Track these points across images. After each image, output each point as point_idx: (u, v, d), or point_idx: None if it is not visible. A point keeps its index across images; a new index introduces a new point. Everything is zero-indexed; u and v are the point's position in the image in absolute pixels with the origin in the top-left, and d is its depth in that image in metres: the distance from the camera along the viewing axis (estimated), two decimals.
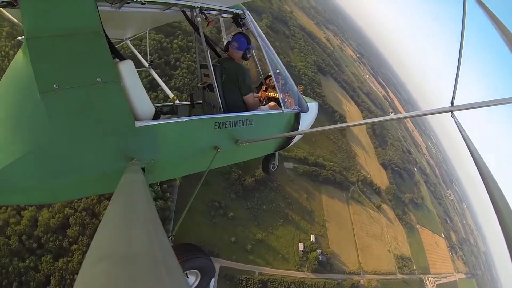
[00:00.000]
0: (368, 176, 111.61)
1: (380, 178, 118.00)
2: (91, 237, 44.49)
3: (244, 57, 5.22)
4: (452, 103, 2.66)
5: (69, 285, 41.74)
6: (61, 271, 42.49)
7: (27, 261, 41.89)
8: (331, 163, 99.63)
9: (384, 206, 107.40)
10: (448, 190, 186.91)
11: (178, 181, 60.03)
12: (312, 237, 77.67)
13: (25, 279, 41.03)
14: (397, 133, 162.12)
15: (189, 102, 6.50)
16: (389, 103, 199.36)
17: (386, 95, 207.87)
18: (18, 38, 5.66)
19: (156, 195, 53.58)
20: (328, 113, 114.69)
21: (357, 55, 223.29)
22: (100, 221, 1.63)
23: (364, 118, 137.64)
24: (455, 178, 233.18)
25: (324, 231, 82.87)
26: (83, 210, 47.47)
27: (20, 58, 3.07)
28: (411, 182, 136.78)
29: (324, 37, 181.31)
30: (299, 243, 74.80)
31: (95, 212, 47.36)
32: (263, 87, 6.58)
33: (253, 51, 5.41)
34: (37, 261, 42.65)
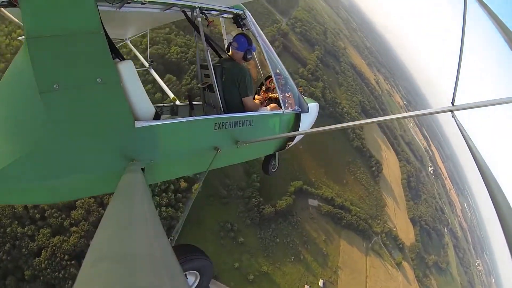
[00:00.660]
0: (394, 229, 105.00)
1: (407, 233, 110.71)
2: (92, 224, 45.86)
3: (245, 58, 5.16)
4: (452, 102, 2.72)
5: (57, 263, 42.61)
6: (54, 248, 43.37)
7: (26, 228, 43.17)
8: (358, 209, 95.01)
9: (405, 264, 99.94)
10: (477, 259, 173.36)
11: (194, 194, 59.44)
12: (321, 282, 73.19)
13: (19, 244, 42.12)
14: (433, 189, 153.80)
15: (189, 102, 6.49)
16: (430, 156, 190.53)
17: (427, 147, 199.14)
18: (18, 38, 5.61)
19: (168, 202, 53.51)
20: (364, 157, 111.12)
21: (405, 102, 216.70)
22: (105, 212, 1.39)
23: (401, 168, 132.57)
24: (488, 247, 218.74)
25: (335, 278, 78.12)
26: (92, 197, 46.87)
27: (20, 58, 3.04)
28: (439, 244, 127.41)
29: (374, 79, 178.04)
30: (305, 286, 70.42)
31: (103, 202, 47.29)
32: (264, 88, 6.53)
33: (254, 52, 5.38)
34: (35, 231, 43.79)
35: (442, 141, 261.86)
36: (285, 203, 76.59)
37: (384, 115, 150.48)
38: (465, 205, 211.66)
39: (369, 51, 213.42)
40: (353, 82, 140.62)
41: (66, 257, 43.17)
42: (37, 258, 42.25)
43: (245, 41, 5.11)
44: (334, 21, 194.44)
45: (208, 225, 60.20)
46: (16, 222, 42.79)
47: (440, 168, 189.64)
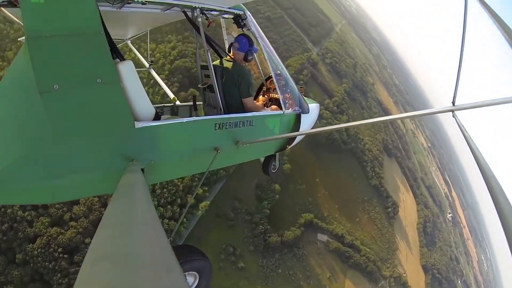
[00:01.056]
0: (404, 275, 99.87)
1: (417, 281, 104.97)
2: (91, 223, 46.47)
3: (246, 59, 5.17)
4: (453, 102, 2.75)
5: (50, 253, 43.18)
6: (49, 238, 43.83)
7: (26, 213, 44.11)
8: (368, 249, 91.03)
9: None
10: None
11: (200, 212, 59.19)
12: None
13: (16, 227, 42.98)
14: (450, 237, 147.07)
15: (190, 103, 6.71)
16: (450, 202, 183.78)
17: (448, 193, 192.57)
18: (19, 39, 5.54)
19: (171, 215, 53.64)
20: (381, 197, 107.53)
21: (429, 144, 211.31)
22: (105, 212, 1.50)
23: (418, 212, 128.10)
24: None
25: None
26: (96, 196, 47.88)
27: (20, 58, 3.06)
28: None
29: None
30: None
31: (106, 203, 48.35)
32: (264, 88, 6.54)
33: (255, 53, 5.33)
34: (35, 218, 44.59)
35: (464, 188, 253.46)
36: (293, 234, 74.60)
37: (407, 156, 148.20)
38: (482, 257, 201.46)
39: (397, 89, 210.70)
40: None
41: (59, 249, 43.50)
42: (31, 245, 42.78)
43: (246, 42, 5.12)
44: (365, 55, 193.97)
45: (210, 244, 59.07)
46: (18, 206, 42.52)
47: (459, 216, 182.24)
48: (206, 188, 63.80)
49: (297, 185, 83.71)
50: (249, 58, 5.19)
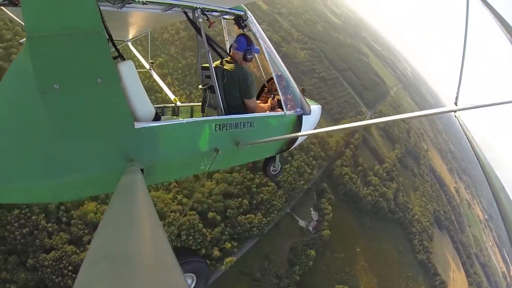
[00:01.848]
0: None
1: None
2: None
3: (245, 59, 5.14)
4: (455, 103, 2.79)
5: (60, 268, 43.06)
6: (63, 253, 43.96)
7: (49, 224, 44.87)
8: None
9: None
10: None
11: (224, 267, 57.53)
12: None
13: (36, 234, 43.50)
14: None
15: (191, 104, 7.07)
16: (508, 284, 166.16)
17: (506, 273, 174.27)
18: (20, 41, 5.57)
19: None
20: (427, 274, 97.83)
21: (486, 216, 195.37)
22: (104, 212, 1.72)
23: None
24: None
25: None
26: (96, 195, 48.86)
27: (21, 57, 3.05)
28: None
29: (454, 187, 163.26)
30: None
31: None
32: (265, 89, 6.51)
33: (255, 53, 5.27)
34: (55, 231, 45.01)
35: None
36: None
37: (460, 229, 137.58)
38: None
39: (453, 155, 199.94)
40: (431, 188, 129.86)
41: (70, 267, 43.58)
42: (45, 254, 43.12)
43: (244, 41, 5.09)
44: (420, 120, 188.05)
45: None
46: (44, 215, 44.72)
47: None
48: (235, 244, 62.13)
49: (335, 253, 78.79)
50: (248, 57, 5.14)
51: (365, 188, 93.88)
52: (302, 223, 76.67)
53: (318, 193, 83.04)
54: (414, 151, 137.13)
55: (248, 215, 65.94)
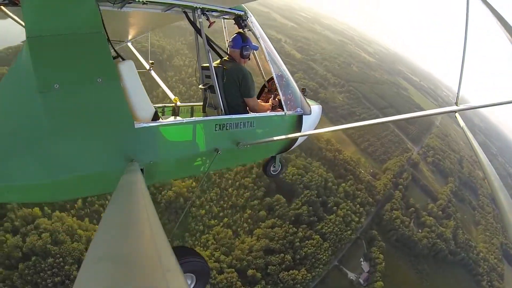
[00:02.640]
0: None
1: None
2: None
3: (242, 55, 5.07)
4: (456, 103, 2.77)
5: None
6: None
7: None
8: None
9: None
10: None
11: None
12: None
13: (67, 284, 43.58)
14: None
15: (191, 104, 6.92)
16: None
17: None
18: (21, 42, 5.05)
19: None
20: None
21: None
22: (104, 212, 1.76)
23: None
24: None
25: None
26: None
27: (21, 57, 3.01)
28: None
29: None
30: None
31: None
32: (266, 90, 6.37)
33: (253, 51, 5.26)
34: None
35: None
36: None
37: None
38: None
39: None
40: (494, 220, 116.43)
41: None
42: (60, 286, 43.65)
43: (239, 39, 5.06)
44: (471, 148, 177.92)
45: None
46: (76, 266, 44.95)
47: None
48: None
49: None
50: (245, 53, 5.08)
51: (419, 231, 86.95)
52: (351, 275, 70.65)
53: (367, 241, 76.88)
54: (469, 181, 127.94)
55: (291, 271, 63.05)
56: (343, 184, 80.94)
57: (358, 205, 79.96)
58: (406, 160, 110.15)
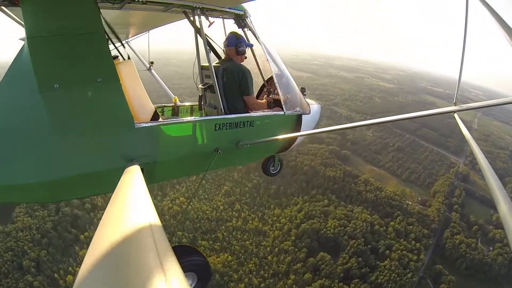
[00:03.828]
0: None
1: None
2: None
3: (237, 52, 5.03)
4: (455, 103, 2.77)
5: None
6: None
7: None
8: None
9: None
10: None
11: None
12: None
13: None
14: None
15: (191, 103, 6.66)
16: None
17: None
18: (19, 38, 5.38)
19: None
20: None
21: None
22: (104, 212, 1.74)
23: None
24: None
25: None
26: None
27: (20, 57, 2.97)
28: None
29: None
30: None
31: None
32: (265, 89, 6.41)
33: (249, 48, 5.23)
34: None
35: None
36: None
37: None
38: None
39: None
40: None
41: None
42: None
43: (233, 37, 5.03)
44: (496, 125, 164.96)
45: None
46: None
47: None
48: None
49: None
50: (240, 49, 5.03)
51: (490, 249, 75.79)
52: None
53: (433, 279, 65.39)
54: None
55: None
56: (392, 223, 74.84)
57: (413, 242, 71.50)
58: (454, 176, 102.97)
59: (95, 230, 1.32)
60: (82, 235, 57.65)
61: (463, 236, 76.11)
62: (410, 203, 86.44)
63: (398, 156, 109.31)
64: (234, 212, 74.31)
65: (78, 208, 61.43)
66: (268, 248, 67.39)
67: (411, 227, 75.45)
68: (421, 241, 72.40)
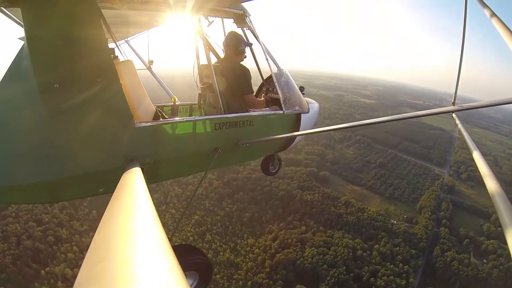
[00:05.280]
0: None
1: None
2: None
3: (236, 51, 5.04)
4: (453, 103, 2.78)
5: None
6: None
7: None
8: None
9: None
10: None
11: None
12: None
13: None
14: None
15: (190, 103, 6.78)
16: None
17: None
18: (18, 38, 5.31)
19: None
20: None
21: None
22: (104, 212, 1.73)
23: None
24: None
25: None
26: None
27: (20, 57, 3.04)
28: None
29: None
30: None
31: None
32: (264, 88, 6.37)
33: (248, 47, 5.23)
34: None
35: None
36: None
37: None
38: None
39: None
40: None
41: None
42: None
43: (232, 36, 5.01)
44: (499, 141, 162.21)
45: None
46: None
47: None
48: None
49: None
50: (239, 49, 4.98)
51: (484, 262, 70.78)
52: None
53: None
54: None
55: None
56: (376, 246, 68.55)
57: (400, 264, 65.11)
58: (439, 189, 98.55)
59: (57, 265, 1.51)
60: (43, 270, 52.55)
61: (454, 252, 70.77)
62: (395, 222, 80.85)
63: (380, 173, 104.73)
64: (205, 244, 66.78)
65: (40, 241, 56.80)
66: (241, 282, 61.14)
67: (397, 248, 69.56)
68: (409, 263, 66.39)
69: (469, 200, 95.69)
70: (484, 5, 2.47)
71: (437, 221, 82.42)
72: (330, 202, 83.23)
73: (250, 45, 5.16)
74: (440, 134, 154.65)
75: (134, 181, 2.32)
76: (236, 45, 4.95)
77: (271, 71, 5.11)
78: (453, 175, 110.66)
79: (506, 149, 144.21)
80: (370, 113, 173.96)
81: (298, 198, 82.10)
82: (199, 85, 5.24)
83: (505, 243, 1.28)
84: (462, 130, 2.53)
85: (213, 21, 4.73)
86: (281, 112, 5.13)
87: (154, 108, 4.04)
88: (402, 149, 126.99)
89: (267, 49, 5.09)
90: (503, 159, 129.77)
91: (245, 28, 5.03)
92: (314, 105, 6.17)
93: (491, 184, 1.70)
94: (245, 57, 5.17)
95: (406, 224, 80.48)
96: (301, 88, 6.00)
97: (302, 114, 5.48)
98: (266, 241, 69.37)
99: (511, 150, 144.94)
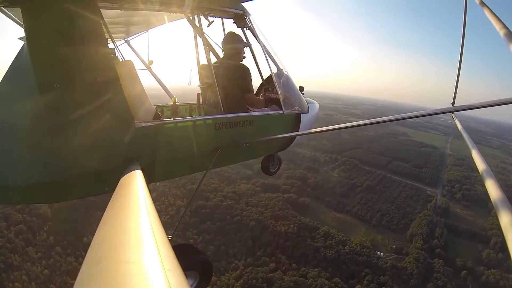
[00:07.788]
0: None
1: None
2: None
3: (235, 51, 5.04)
4: (453, 103, 2.82)
5: None
6: None
7: None
8: None
9: None
10: None
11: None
12: None
13: None
14: None
15: (190, 103, 6.68)
16: None
17: None
18: (18, 38, 5.16)
19: None
20: None
21: None
22: (104, 212, 1.72)
23: None
24: None
25: None
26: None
27: (20, 57, 3.01)
28: None
29: None
30: None
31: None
32: (263, 88, 6.28)
33: (247, 48, 5.18)
34: None
35: None
36: None
37: None
38: None
39: None
40: None
41: None
42: None
43: (231, 36, 5.01)
44: (492, 155, 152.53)
45: None
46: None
47: None
48: None
49: None
50: (238, 49, 4.98)
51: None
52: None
53: None
54: None
55: None
56: (358, 286, 58.73)
57: None
58: (432, 212, 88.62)
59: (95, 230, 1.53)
60: None
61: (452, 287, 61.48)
62: (382, 254, 70.28)
63: (367, 197, 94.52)
64: None
65: None
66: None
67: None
68: None
69: (465, 222, 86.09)
70: (484, 5, 2.44)
71: (430, 251, 72.40)
72: (307, 234, 73.11)
73: (249, 45, 5.08)
74: (432, 151, 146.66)
75: (134, 181, 2.31)
76: (236, 46, 4.92)
77: (271, 71, 5.03)
78: (447, 195, 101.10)
79: (499, 163, 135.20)
80: (360, 132, 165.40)
81: (270, 230, 72.53)
82: (199, 85, 5.27)
83: (505, 242, 1.25)
84: (462, 130, 2.52)
85: (213, 21, 4.60)
86: (281, 112, 5.07)
87: (154, 108, 3.87)
88: (391, 170, 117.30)
89: (266, 49, 4.99)
90: (497, 173, 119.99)
91: (245, 28, 4.94)
92: (314, 105, 6.12)
93: (491, 184, 1.68)
94: (244, 57, 5.09)
95: (395, 256, 70.27)
96: (301, 88, 5.91)
97: (302, 114, 5.44)
98: (229, 279, 59.64)
99: (504, 163, 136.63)
